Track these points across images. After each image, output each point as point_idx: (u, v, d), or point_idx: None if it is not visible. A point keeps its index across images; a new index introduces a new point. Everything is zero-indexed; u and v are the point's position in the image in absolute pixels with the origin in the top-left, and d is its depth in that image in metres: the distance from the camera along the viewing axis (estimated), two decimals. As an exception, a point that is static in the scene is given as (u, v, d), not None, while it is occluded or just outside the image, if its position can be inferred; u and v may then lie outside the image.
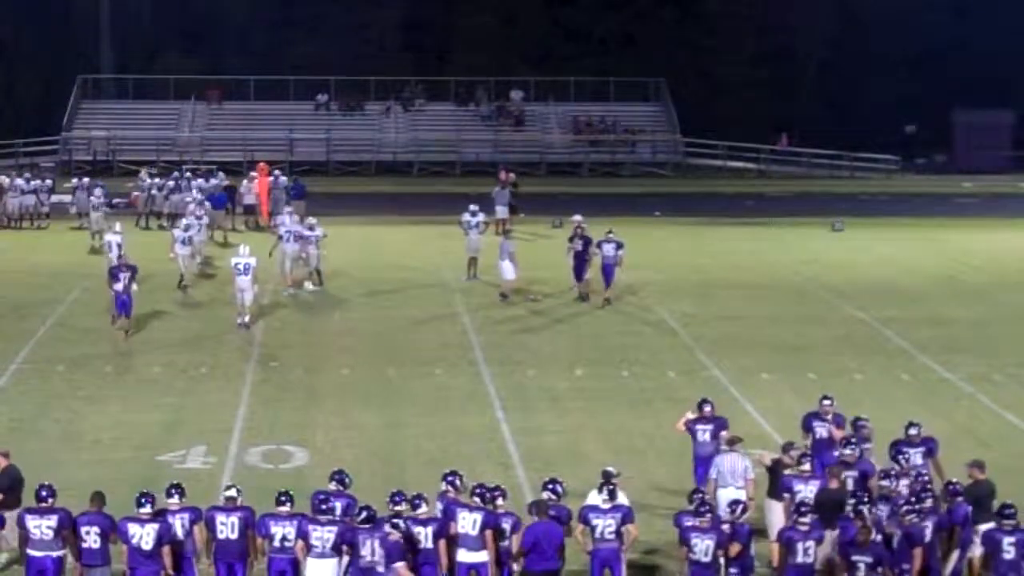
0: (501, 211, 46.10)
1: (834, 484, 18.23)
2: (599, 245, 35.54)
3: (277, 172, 50.29)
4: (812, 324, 33.83)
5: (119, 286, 30.98)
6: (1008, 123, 72.16)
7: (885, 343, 31.97)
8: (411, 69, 74.49)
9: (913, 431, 19.84)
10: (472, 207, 39.26)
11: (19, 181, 48.08)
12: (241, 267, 32.32)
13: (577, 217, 37.03)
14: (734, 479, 19.07)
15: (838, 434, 20.13)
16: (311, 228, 36.50)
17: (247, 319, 32.45)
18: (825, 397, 21.07)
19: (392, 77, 72.18)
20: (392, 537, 16.42)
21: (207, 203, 42.68)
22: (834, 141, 69.39)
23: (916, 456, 19.48)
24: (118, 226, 37.33)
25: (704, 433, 20.64)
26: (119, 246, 35.07)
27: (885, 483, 18.07)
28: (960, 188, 64.37)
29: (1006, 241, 47.73)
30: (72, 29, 76.82)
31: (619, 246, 35.33)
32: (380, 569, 16.32)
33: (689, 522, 16.96)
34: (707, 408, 20.82)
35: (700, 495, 17.59)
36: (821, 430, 20.61)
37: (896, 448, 19.51)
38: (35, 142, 66.80)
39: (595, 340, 31.81)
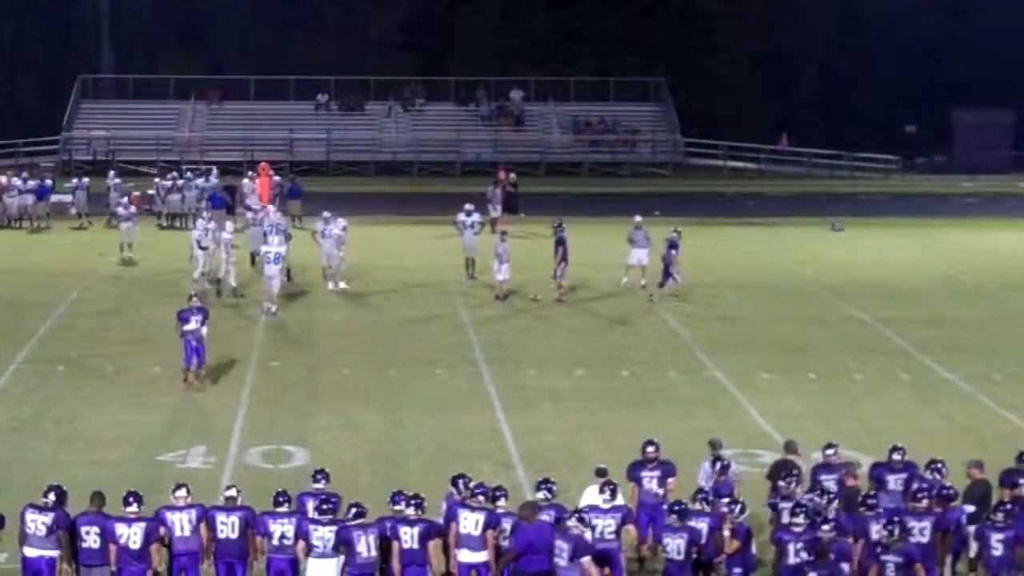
0: (494, 210, 46.13)
1: (851, 482, 18.40)
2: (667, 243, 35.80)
3: (271, 171, 50.35)
4: (812, 324, 33.84)
5: (188, 328, 26.76)
6: (1008, 123, 72.18)
7: (885, 343, 31.97)
8: (411, 69, 74.48)
9: (897, 456, 18.79)
10: (467, 207, 39.33)
11: (16, 181, 48.05)
12: (271, 256, 33.51)
13: (637, 218, 37.30)
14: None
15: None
16: (324, 225, 36.62)
17: (275, 307, 33.31)
18: (829, 445, 19.33)
19: (392, 77, 72.18)
20: (576, 531, 16.49)
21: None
22: (834, 141, 69.40)
23: (897, 483, 18.50)
24: (199, 224, 37.30)
25: (651, 480, 18.58)
26: (200, 243, 35.42)
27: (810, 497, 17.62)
28: (960, 188, 64.39)
29: (1006, 241, 47.75)
30: (72, 29, 76.84)
31: (672, 245, 35.51)
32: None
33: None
34: (651, 449, 18.74)
35: (703, 494, 17.60)
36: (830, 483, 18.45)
37: (876, 471, 18.80)
38: (35, 142, 66.80)
39: (595, 340, 31.80)
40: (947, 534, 17.44)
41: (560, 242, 35.66)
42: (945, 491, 17.86)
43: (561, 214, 45.26)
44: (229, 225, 36.72)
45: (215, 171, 50.63)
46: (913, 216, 53.96)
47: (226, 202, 45.87)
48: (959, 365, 29.69)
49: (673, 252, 35.48)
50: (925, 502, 17.46)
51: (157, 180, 49.45)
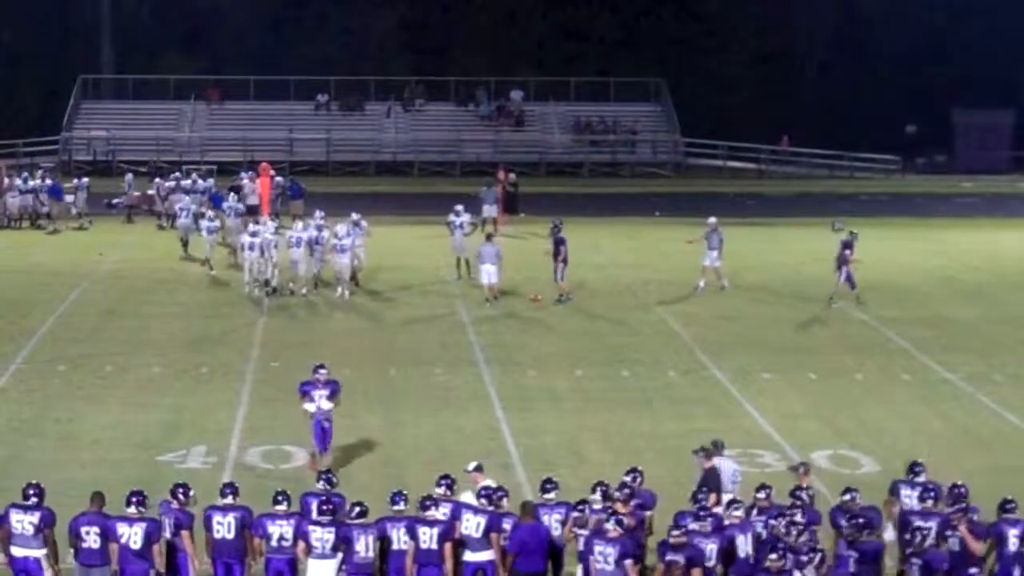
0: (488, 210, 46.12)
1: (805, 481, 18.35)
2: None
3: (273, 172, 50.31)
4: (812, 324, 33.85)
5: (313, 407, 22.31)
6: (1008, 123, 72.18)
7: (885, 343, 31.97)
8: (411, 69, 74.48)
9: (847, 496, 17.32)
10: (457, 207, 39.31)
11: (17, 181, 48.05)
12: (294, 240, 35.25)
13: (712, 219, 37.33)
14: (726, 483, 19.04)
15: None
16: (324, 228, 36.63)
17: (304, 289, 35.23)
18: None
19: (392, 77, 72.18)
20: (613, 534, 16.44)
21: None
22: (834, 141, 69.38)
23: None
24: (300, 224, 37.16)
25: (606, 559, 16.40)
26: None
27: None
28: (960, 188, 64.39)
29: (1006, 241, 47.75)
30: (72, 29, 76.79)
31: (846, 246, 35.72)
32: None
33: (692, 525, 16.83)
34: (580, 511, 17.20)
35: (704, 494, 17.57)
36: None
37: (832, 515, 17.20)
38: (35, 142, 66.76)
39: (595, 340, 31.80)
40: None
41: (559, 243, 35.61)
42: (956, 489, 17.78)
43: (561, 214, 45.30)
44: (271, 225, 37.01)
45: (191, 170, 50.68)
46: (913, 216, 53.96)
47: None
48: (959, 365, 29.70)
49: (848, 252, 35.53)
50: (929, 502, 17.41)
51: (157, 180, 49.40)
